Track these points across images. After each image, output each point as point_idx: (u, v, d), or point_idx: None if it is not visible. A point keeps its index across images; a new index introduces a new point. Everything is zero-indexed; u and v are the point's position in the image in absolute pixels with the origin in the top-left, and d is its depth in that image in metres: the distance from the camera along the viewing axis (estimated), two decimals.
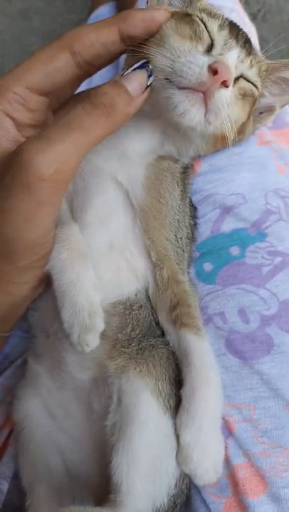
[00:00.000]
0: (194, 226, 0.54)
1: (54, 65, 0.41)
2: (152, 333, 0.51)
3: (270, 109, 0.53)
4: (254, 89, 0.49)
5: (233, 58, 0.45)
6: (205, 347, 0.47)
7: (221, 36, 0.46)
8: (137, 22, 0.42)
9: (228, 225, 0.53)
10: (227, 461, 0.47)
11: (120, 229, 0.49)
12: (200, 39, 0.44)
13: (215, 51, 0.44)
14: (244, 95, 0.48)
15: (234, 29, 0.48)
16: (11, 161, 0.37)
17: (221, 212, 0.53)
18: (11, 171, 0.37)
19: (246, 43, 0.49)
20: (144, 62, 0.42)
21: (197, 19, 0.46)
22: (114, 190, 0.49)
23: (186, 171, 0.53)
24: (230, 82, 0.43)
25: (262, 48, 0.54)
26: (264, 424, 0.47)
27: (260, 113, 0.53)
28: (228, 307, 0.51)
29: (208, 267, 0.53)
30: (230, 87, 0.43)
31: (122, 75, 0.40)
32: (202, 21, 0.46)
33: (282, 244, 0.51)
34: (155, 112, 0.47)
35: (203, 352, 0.46)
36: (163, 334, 0.51)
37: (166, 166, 0.51)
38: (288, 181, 0.54)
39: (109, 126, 0.38)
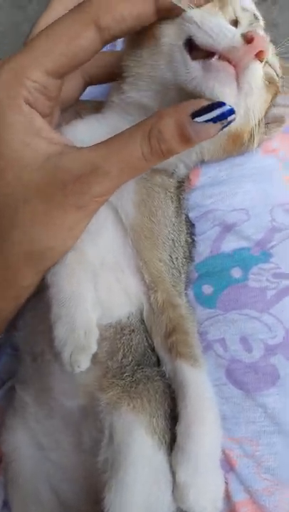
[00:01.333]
0: (192, 244, 0.49)
1: (78, 44, 0.35)
2: (147, 362, 0.47)
3: (279, 121, 0.48)
4: (277, 79, 0.44)
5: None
6: (202, 380, 0.43)
7: (245, 16, 0.40)
8: None
9: (230, 244, 0.48)
10: (228, 498, 0.44)
11: (110, 246, 0.45)
12: (224, 11, 0.39)
13: (241, 28, 0.38)
14: (269, 83, 0.42)
15: (255, 14, 0.43)
16: (64, 179, 0.36)
17: (222, 230, 0.48)
18: (65, 190, 0.36)
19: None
20: (220, 104, 0.34)
21: None
22: (103, 208, 0.45)
23: (182, 184, 0.48)
24: (267, 55, 0.37)
25: (275, 33, 0.48)
26: (268, 462, 0.44)
27: (267, 123, 0.48)
28: (229, 334, 0.47)
29: (207, 289, 0.48)
30: (262, 65, 0.37)
31: (192, 118, 0.33)
32: None
33: None
34: (162, 103, 0.41)
35: (200, 386, 0.43)
36: (159, 362, 0.47)
37: (159, 180, 0.46)
38: None
39: (158, 163, 0.37)
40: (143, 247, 0.45)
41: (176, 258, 0.47)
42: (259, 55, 0.35)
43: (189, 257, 0.49)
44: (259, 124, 0.43)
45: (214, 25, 0.35)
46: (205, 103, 0.34)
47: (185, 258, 0.48)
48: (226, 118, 0.34)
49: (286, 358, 0.45)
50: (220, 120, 0.34)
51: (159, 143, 0.34)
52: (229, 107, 0.34)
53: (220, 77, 0.35)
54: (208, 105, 0.34)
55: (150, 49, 0.40)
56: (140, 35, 0.40)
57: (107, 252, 0.45)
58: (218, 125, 0.34)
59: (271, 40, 0.45)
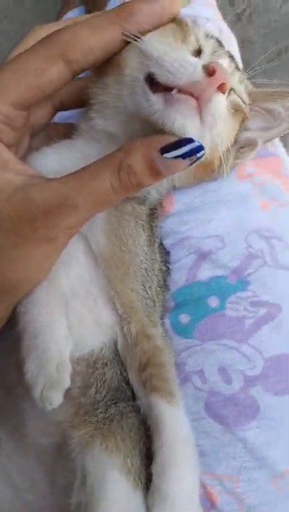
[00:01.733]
0: (166, 272, 0.48)
1: (45, 78, 0.35)
2: (122, 396, 0.46)
3: (251, 144, 0.47)
4: (244, 106, 0.44)
5: (226, 65, 0.39)
6: (178, 417, 0.42)
7: (208, 43, 0.40)
8: (146, 18, 0.35)
9: (205, 273, 0.47)
10: None
11: (81, 276, 0.44)
12: (186, 42, 0.38)
13: (204, 57, 0.38)
14: (235, 111, 0.42)
15: (219, 41, 0.43)
16: (33, 212, 0.35)
17: (197, 258, 0.47)
18: (34, 223, 0.35)
19: (231, 57, 0.43)
20: (189, 140, 0.33)
21: (184, 19, 0.40)
22: (74, 236, 0.44)
23: (154, 212, 0.47)
24: (229, 87, 0.36)
25: (248, 50, 0.48)
26: (249, 499, 0.43)
27: (240, 148, 0.47)
28: (207, 365, 0.45)
29: (184, 318, 0.47)
30: (225, 96, 0.37)
31: (162, 153, 0.33)
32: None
33: (267, 293, 0.46)
34: (127, 132, 0.41)
35: (176, 423, 0.41)
36: (134, 395, 0.46)
37: (130, 209, 0.44)
38: (272, 219, 0.48)
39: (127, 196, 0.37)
40: (114, 276, 0.43)
41: (150, 287, 0.45)
42: (221, 88, 0.34)
43: (164, 286, 0.48)
44: (229, 151, 0.43)
45: (174, 61, 0.35)
46: (173, 139, 0.33)
47: (160, 287, 0.47)
48: (195, 154, 0.33)
49: (265, 390, 0.44)
50: (189, 156, 0.33)
51: (129, 177, 0.34)
52: (198, 144, 0.33)
53: (181, 110, 0.34)
54: (177, 141, 0.33)
55: (115, 77, 0.39)
56: (105, 62, 0.39)
57: (79, 282, 0.44)
58: (187, 161, 0.33)
59: (246, 60, 0.44)
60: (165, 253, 0.48)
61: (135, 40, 0.36)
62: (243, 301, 0.46)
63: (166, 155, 0.33)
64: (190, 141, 0.33)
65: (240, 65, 0.54)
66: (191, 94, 0.34)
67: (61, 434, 0.44)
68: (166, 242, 0.49)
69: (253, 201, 0.49)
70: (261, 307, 0.45)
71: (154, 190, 0.46)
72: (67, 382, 0.41)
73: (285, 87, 0.47)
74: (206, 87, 0.34)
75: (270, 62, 0.47)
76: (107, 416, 0.43)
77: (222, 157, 0.40)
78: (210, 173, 0.44)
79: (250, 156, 0.47)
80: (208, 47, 0.39)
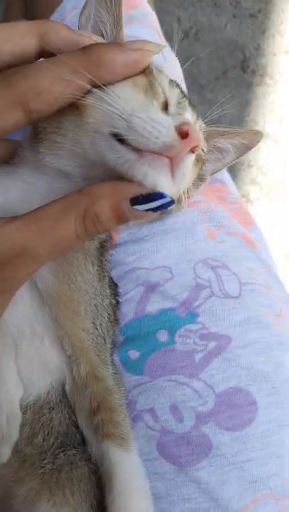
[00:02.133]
0: (116, 306, 0.46)
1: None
2: (71, 441, 0.42)
3: (200, 178, 0.46)
4: (203, 154, 0.43)
5: (190, 118, 0.38)
6: (131, 465, 0.39)
7: (173, 94, 0.38)
8: (117, 69, 0.33)
9: (154, 305, 0.45)
10: None
11: (26, 313, 0.41)
12: (156, 94, 0.36)
13: (171, 111, 0.37)
14: (197, 161, 0.41)
15: (180, 87, 0.41)
16: None
17: (145, 290, 0.46)
18: None
19: (192, 105, 0.42)
20: (162, 195, 0.32)
21: (154, 70, 0.37)
22: None
23: (104, 244, 0.45)
24: (200, 147, 0.36)
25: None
26: None
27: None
28: (158, 403, 0.44)
29: (134, 354, 0.45)
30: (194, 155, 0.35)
31: (132, 207, 0.31)
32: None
33: (216, 325, 0.45)
34: (85, 174, 0.38)
35: (129, 473, 0.39)
36: (84, 440, 0.43)
37: None
38: (219, 248, 0.48)
39: None
40: (63, 316, 0.40)
41: (100, 324, 0.43)
42: (193, 149, 0.33)
43: (114, 320, 0.46)
44: (188, 191, 0.41)
45: (145, 123, 0.32)
46: (144, 191, 0.31)
47: (110, 322, 0.44)
48: (166, 208, 0.32)
49: (218, 426, 0.42)
50: (159, 210, 0.31)
51: (95, 225, 0.31)
52: (170, 199, 0.31)
53: (155, 165, 0.32)
54: (149, 195, 0.31)
55: (73, 121, 0.35)
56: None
57: (24, 321, 0.41)
58: (157, 213, 0.32)
59: (195, 75, 0.43)
60: (114, 286, 0.46)
61: (101, 90, 0.33)
62: (193, 334, 0.44)
63: (137, 207, 0.31)
64: (162, 196, 0.31)
65: (184, 88, 0.53)
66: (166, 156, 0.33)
67: (3, 491, 0.40)
68: (113, 274, 0.47)
69: (200, 230, 0.48)
70: (210, 340, 0.44)
71: None
72: (16, 435, 0.38)
73: (230, 104, 0.46)
74: (180, 151, 0.32)
75: (217, 79, 0.46)
76: (54, 467, 0.40)
77: (183, 197, 0.39)
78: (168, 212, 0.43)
79: (200, 189, 0.46)
80: (173, 98, 0.38)
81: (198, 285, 0.46)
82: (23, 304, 0.41)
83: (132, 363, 0.45)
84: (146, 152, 0.32)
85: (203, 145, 0.42)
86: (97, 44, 0.34)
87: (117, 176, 0.33)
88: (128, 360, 0.45)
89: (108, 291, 0.44)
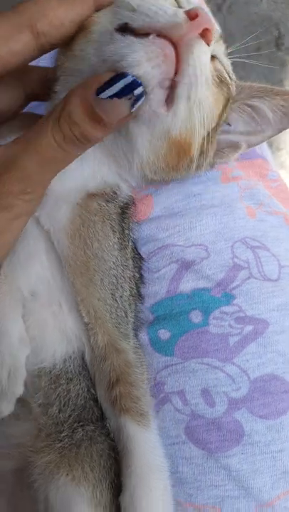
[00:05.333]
0: (140, 280, 0.43)
1: (9, 48, 0.32)
2: (89, 416, 0.41)
3: (234, 146, 0.43)
4: (229, 80, 0.38)
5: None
6: (150, 442, 0.38)
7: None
8: None
9: (188, 284, 0.43)
10: None
11: (43, 276, 0.39)
12: None
13: (183, 8, 0.33)
14: (220, 82, 0.36)
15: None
16: None
17: (179, 268, 0.43)
18: None
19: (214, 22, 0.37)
20: (124, 75, 0.29)
21: None
22: (34, 232, 0.39)
23: (125, 211, 0.42)
24: (213, 34, 0.31)
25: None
26: None
27: (222, 149, 0.43)
28: (189, 386, 0.42)
29: (164, 334, 0.43)
30: (210, 50, 0.32)
31: (96, 97, 0.28)
32: None
33: (253, 308, 0.42)
34: None
35: (146, 450, 0.38)
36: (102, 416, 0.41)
37: (96, 207, 0.39)
38: (259, 227, 0.45)
39: (81, 152, 0.32)
40: (79, 282, 0.38)
41: (121, 296, 0.41)
42: (204, 34, 0.29)
43: (138, 295, 0.43)
44: (210, 138, 0.37)
45: (152, 5, 0.30)
46: (107, 76, 0.28)
47: (132, 296, 0.42)
48: (132, 92, 0.28)
49: (251, 413, 0.40)
50: (126, 95, 0.28)
51: (71, 128, 0.29)
52: (132, 78, 0.28)
53: (151, 48, 0.28)
54: (111, 78, 0.28)
55: (80, 40, 0.34)
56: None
57: (40, 284, 0.39)
58: (126, 101, 0.28)
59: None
60: (139, 259, 0.44)
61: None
62: (228, 317, 0.42)
63: (100, 95, 0.28)
64: (125, 75, 0.28)
65: None
66: (170, 41, 0.29)
67: (23, 460, 0.40)
68: (144, 250, 0.44)
69: (239, 207, 0.45)
70: (247, 324, 0.42)
71: (123, 183, 0.41)
72: (19, 391, 0.36)
73: (262, 82, 0.43)
74: (187, 31, 0.29)
75: (250, 56, 0.43)
76: (73, 441, 0.39)
77: (203, 143, 0.35)
78: (185, 161, 0.38)
79: (233, 157, 0.43)
80: (185, 2, 0.34)
81: (236, 265, 0.43)
82: (40, 266, 0.39)
83: (162, 343, 0.43)
84: (149, 35, 0.29)
85: (225, 62, 0.37)
86: None
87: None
88: (158, 340, 0.43)
89: (130, 262, 0.42)
